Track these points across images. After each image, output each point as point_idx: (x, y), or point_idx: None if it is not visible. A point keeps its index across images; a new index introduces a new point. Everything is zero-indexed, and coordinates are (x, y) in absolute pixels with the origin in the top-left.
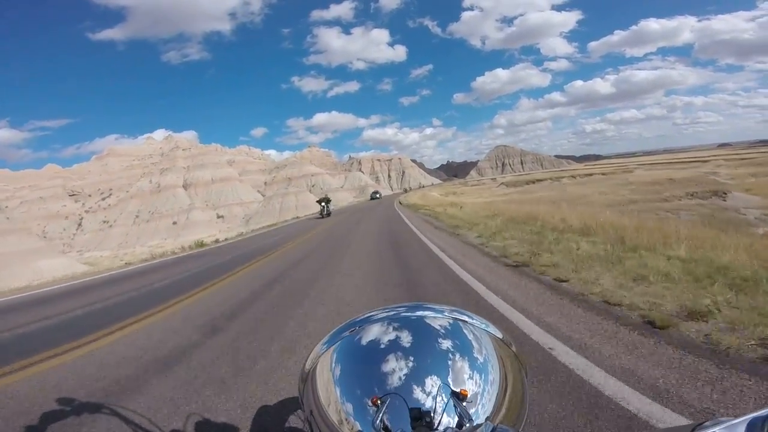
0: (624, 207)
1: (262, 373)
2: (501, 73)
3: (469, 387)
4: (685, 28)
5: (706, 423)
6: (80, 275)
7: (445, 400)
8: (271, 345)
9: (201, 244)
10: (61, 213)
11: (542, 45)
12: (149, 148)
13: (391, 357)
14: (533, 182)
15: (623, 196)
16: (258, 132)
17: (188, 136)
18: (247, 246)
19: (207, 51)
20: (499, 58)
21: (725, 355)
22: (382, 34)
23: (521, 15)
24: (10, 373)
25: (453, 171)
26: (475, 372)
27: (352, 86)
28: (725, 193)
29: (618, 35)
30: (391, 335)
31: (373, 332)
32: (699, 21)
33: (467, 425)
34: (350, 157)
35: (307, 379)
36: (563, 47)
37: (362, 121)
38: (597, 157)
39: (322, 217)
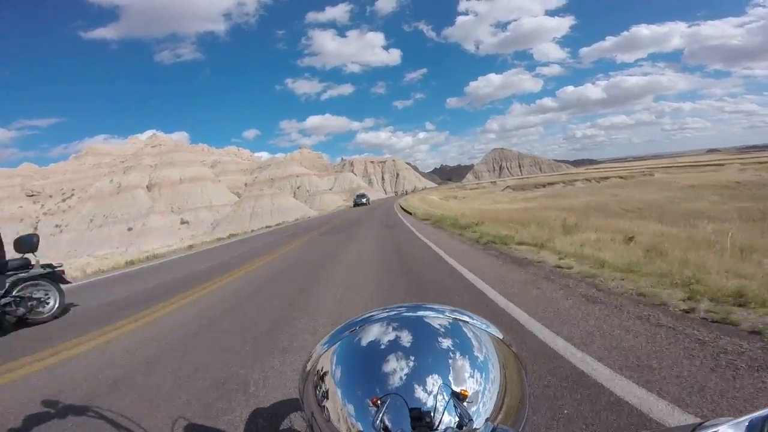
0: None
1: None
2: (494, 78)
3: (470, 387)
4: (676, 33)
5: (706, 423)
6: None
7: (446, 400)
8: None
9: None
10: (17, 215)
11: (535, 50)
12: (132, 147)
13: (392, 357)
14: (543, 186)
15: (715, 203)
16: (250, 134)
17: (178, 136)
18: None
19: (200, 52)
20: (492, 63)
21: None
22: (377, 38)
23: (515, 20)
24: None
25: (447, 175)
26: (475, 372)
27: (346, 89)
28: None
29: (609, 41)
30: (391, 335)
31: (374, 332)
32: (689, 27)
33: (467, 425)
34: (342, 159)
35: (308, 379)
36: (555, 52)
37: (356, 125)
38: (591, 162)
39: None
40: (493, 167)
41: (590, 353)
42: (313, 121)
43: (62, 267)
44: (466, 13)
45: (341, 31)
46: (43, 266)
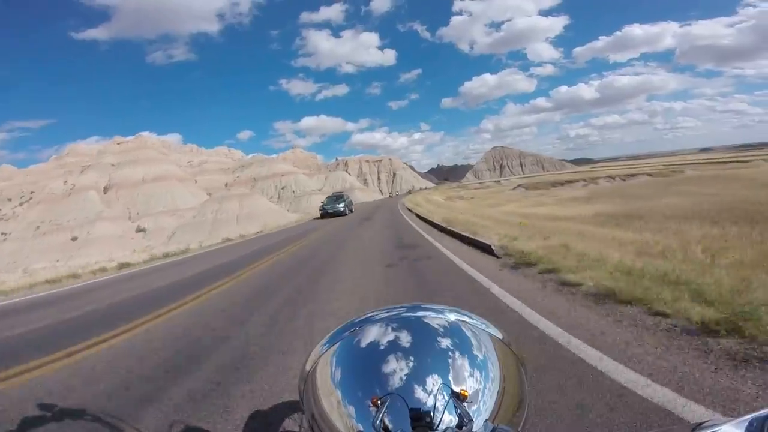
0: None
1: None
2: (488, 78)
3: (469, 387)
4: (668, 33)
5: (706, 423)
6: None
7: (445, 400)
8: None
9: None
10: None
11: (529, 50)
12: (117, 148)
13: (391, 357)
14: (561, 184)
15: None
16: (244, 135)
17: (171, 138)
18: None
19: (194, 52)
20: (486, 63)
21: None
22: (371, 38)
23: (509, 20)
24: None
25: (444, 174)
26: (475, 372)
27: (341, 89)
28: None
29: (603, 41)
30: (391, 335)
31: (373, 333)
32: (681, 26)
33: (467, 425)
34: (337, 159)
35: (307, 379)
36: (549, 52)
37: (351, 125)
38: (588, 161)
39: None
40: (494, 166)
41: None
42: (307, 121)
43: None
44: (460, 13)
45: (336, 31)
46: None
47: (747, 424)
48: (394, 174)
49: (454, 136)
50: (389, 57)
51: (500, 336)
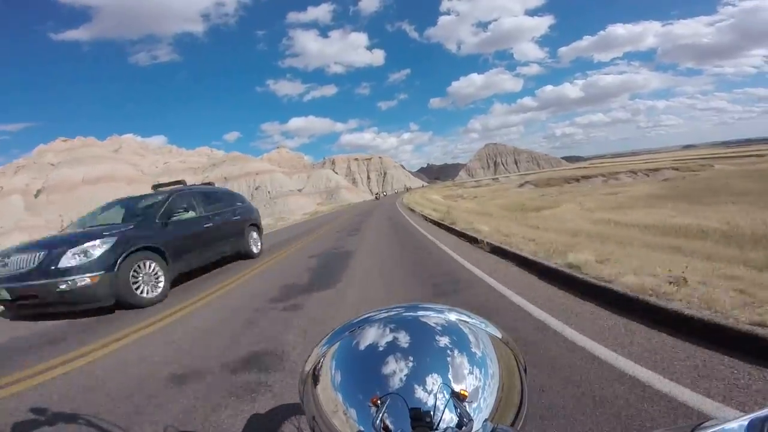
0: None
1: None
2: (476, 78)
3: (469, 386)
4: (650, 32)
5: (706, 423)
6: None
7: (445, 399)
8: None
9: None
10: None
11: (515, 50)
12: (61, 146)
13: (391, 357)
14: (576, 180)
15: None
16: (231, 136)
17: (156, 140)
18: None
19: (178, 53)
20: (474, 63)
21: None
22: (360, 38)
23: (496, 20)
24: None
25: (434, 174)
26: (474, 371)
27: (330, 90)
28: None
29: (587, 40)
30: (390, 336)
31: (372, 333)
32: (663, 26)
33: (467, 425)
34: (324, 158)
35: (307, 380)
36: (535, 52)
37: (339, 126)
38: (578, 159)
39: None
40: (488, 163)
41: None
42: (295, 122)
43: None
44: (448, 13)
45: (324, 31)
46: None
47: (747, 423)
48: (385, 173)
49: (443, 136)
50: (378, 57)
51: (499, 335)
